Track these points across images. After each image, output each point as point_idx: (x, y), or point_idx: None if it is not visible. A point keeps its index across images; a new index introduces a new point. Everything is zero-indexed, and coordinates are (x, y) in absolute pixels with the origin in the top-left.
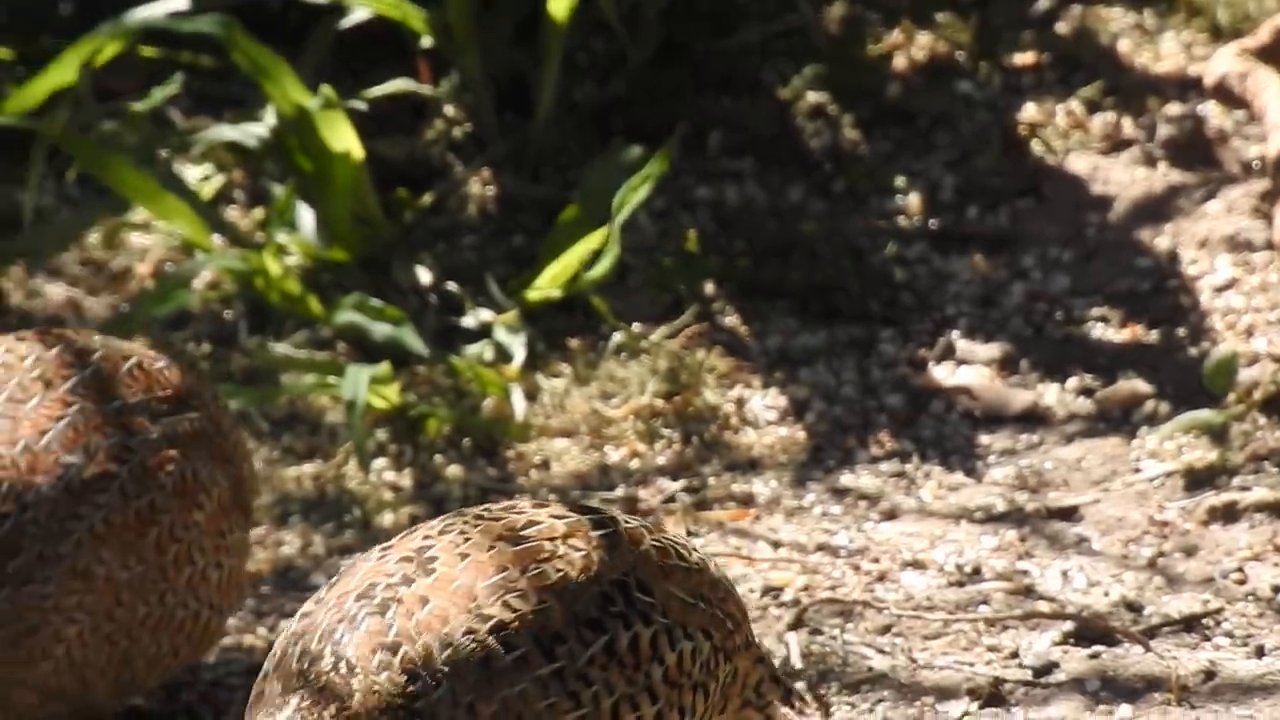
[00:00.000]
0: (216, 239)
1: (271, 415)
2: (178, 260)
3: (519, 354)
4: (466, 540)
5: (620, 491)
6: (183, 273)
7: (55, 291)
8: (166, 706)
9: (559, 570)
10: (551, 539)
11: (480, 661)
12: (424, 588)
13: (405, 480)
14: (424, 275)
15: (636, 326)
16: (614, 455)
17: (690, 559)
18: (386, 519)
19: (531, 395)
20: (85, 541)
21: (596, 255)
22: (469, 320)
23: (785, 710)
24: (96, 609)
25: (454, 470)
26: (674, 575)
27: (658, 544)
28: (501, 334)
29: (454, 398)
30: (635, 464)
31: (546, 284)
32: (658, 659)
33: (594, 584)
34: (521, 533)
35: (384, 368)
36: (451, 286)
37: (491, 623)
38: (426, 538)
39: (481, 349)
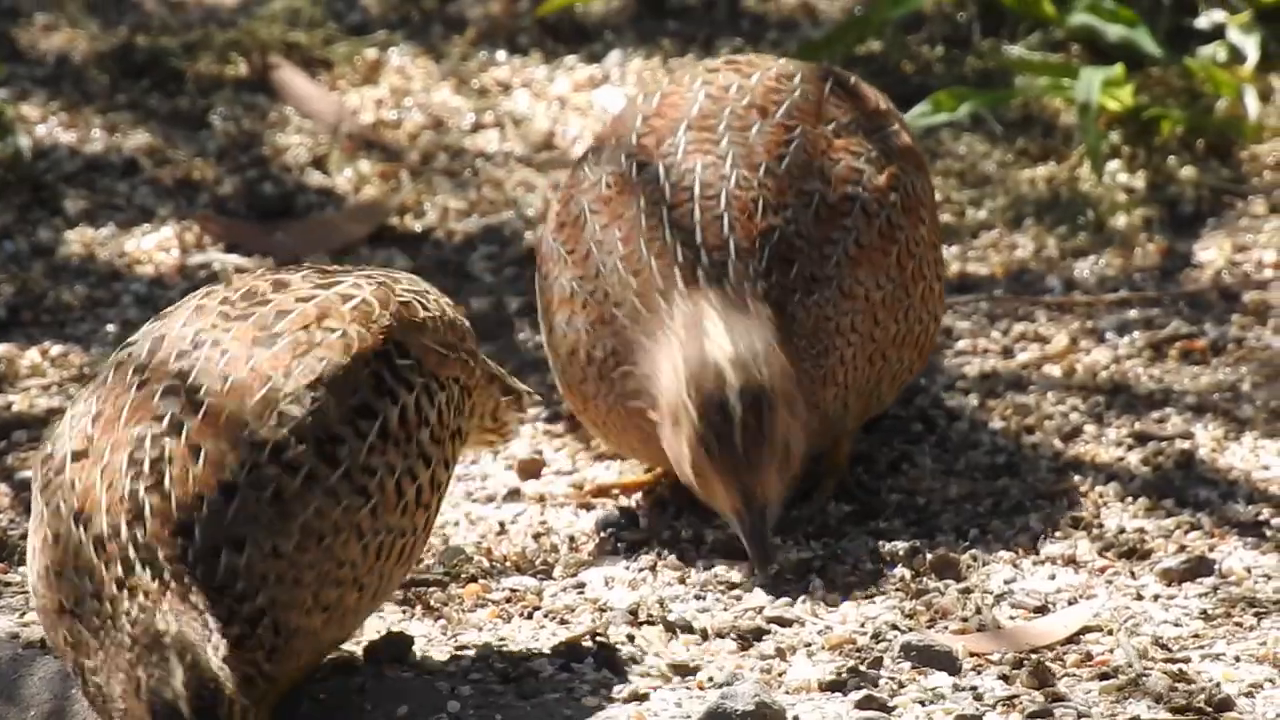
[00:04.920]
0: None
1: (1005, 117)
2: None
3: (1252, 55)
4: (224, 353)
5: None
6: None
7: None
8: None
9: (321, 359)
10: (305, 326)
11: (271, 498)
12: (194, 431)
13: (1138, 182)
14: None
15: None
16: None
17: (430, 306)
18: (1120, 221)
19: (1265, 96)
20: (844, 263)
21: None
22: (1202, 21)
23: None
24: (862, 330)
25: (1187, 172)
26: (426, 328)
27: (403, 299)
28: (1234, 34)
29: (1187, 99)
30: None
31: None
32: (424, 421)
33: (363, 366)
34: (274, 330)
35: (1117, 69)
36: None
37: (269, 447)
38: (181, 354)
39: (1214, 50)
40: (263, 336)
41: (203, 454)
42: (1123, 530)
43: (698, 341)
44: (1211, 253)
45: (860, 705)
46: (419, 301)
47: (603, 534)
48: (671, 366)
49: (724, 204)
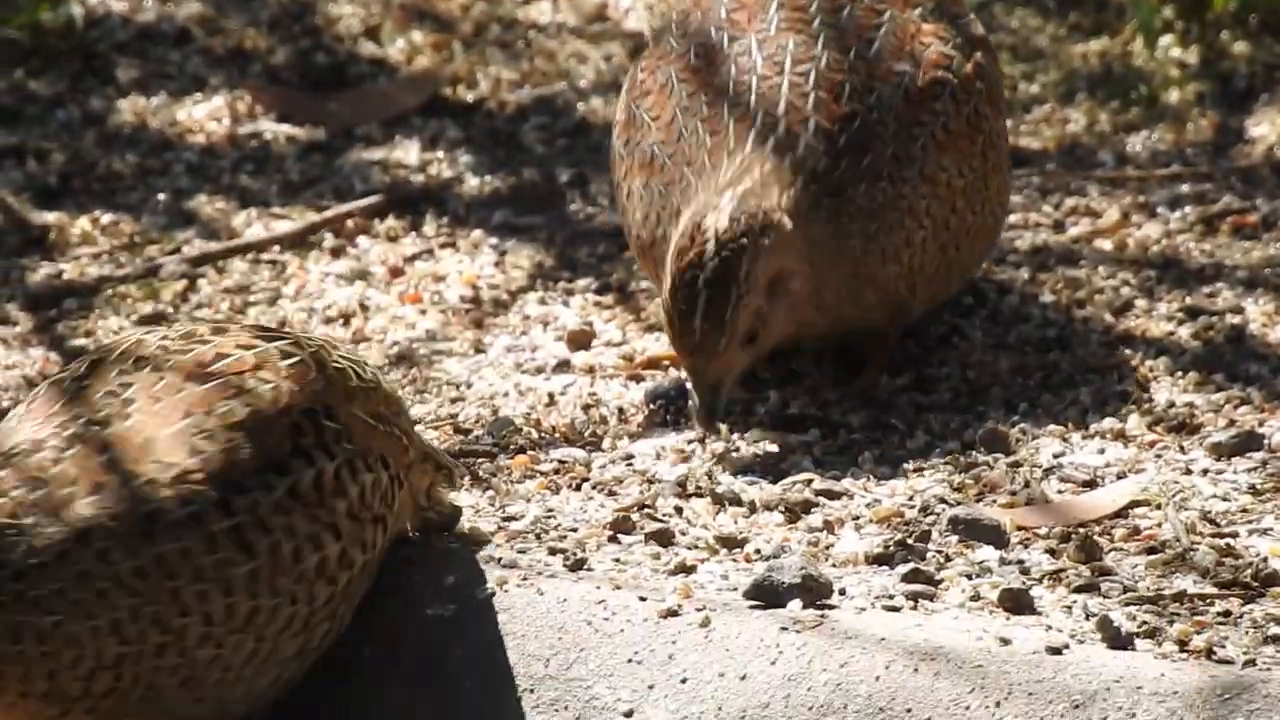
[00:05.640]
0: None
1: None
2: None
3: None
4: (162, 379)
5: None
6: None
7: None
8: None
9: (248, 406)
10: (240, 373)
11: (145, 516)
12: (112, 435)
13: (1191, 57)
14: None
15: None
16: None
17: (366, 376)
18: (1172, 96)
19: None
20: (929, 146)
21: None
22: None
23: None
24: (937, 215)
25: (1240, 47)
26: (357, 397)
27: (339, 364)
28: None
29: None
30: None
31: None
32: (342, 493)
33: (286, 422)
34: (211, 368)
35: None
36: None
37: (175, 471)
38: (123, 371)
39: None
40: (198, 373)
41: (109, 454)
42: (1172, 404)
43: (709, 210)
44: (1264, 128)
45: (907, 578)
46: (354, 370)
47: (652, 406)
48: (683, 221)
49: (812, 83)
